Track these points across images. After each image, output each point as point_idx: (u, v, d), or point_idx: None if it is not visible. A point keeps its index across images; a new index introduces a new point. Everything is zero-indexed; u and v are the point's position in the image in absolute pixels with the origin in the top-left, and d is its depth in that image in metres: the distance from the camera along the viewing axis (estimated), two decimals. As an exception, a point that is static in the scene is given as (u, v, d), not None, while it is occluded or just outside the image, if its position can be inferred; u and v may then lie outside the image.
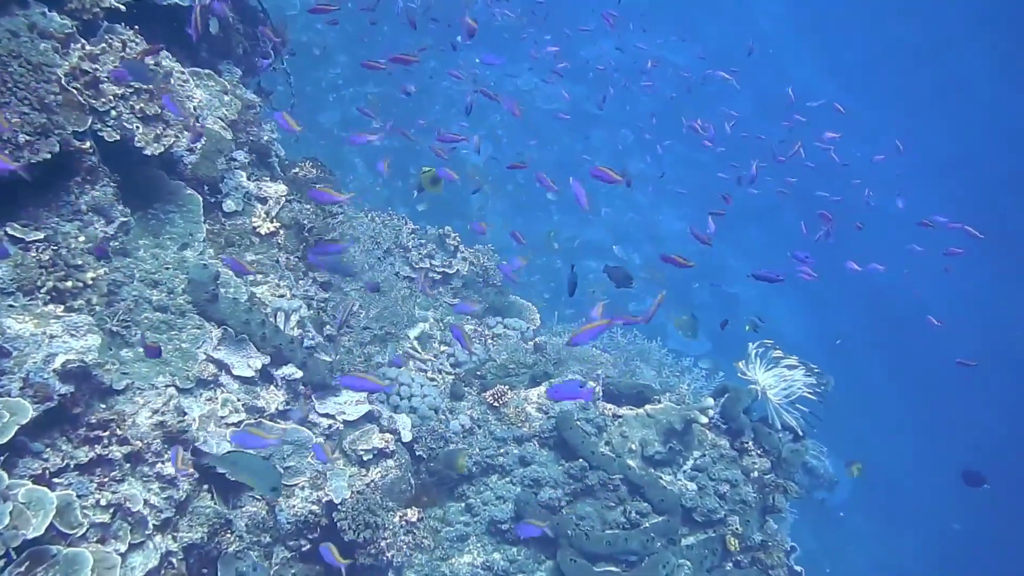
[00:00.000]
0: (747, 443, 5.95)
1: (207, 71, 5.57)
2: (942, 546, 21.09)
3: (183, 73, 4.98)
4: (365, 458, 5.06)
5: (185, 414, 4.44)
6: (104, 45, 4.53)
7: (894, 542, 20.87)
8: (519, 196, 19.39)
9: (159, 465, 4.17)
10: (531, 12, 17.67)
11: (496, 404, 5.82)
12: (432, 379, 6.18)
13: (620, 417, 5.93)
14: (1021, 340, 24.47)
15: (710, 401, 5.84)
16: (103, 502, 3.91)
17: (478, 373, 6.26)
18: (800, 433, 6.04)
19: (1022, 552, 21.84)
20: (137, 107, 4.58)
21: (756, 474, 5.87)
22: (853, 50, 26.82)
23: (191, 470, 4.27)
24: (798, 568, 6.12)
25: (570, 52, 20.99)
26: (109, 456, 4.00)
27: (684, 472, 5.83)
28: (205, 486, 4.42)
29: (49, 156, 4.05)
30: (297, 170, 5.97)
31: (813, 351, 7.65)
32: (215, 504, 4.42)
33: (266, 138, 5.84)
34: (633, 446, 5.79)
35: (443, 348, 6.67)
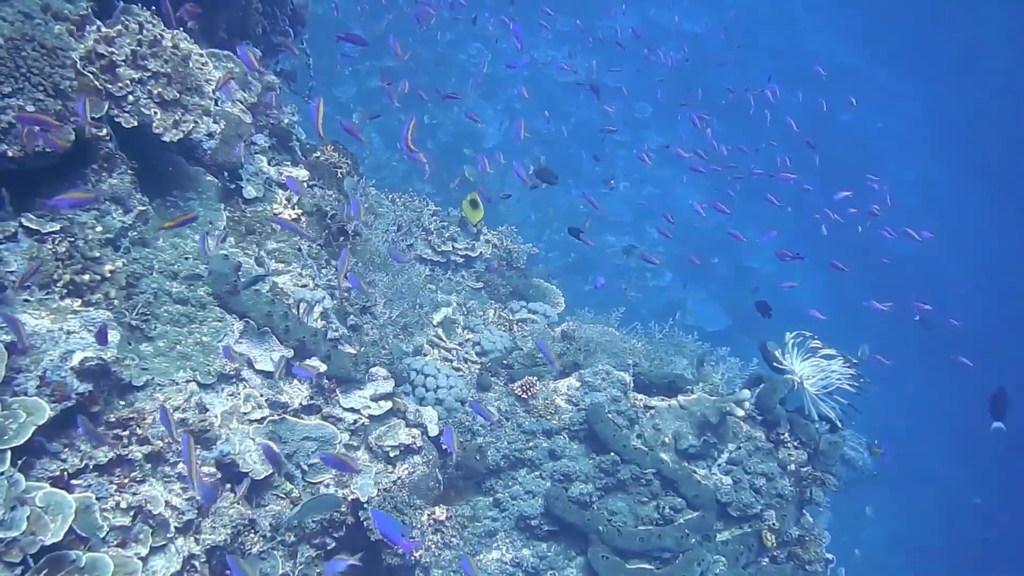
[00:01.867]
0: (783, 435, 5.78)
1: (226, 52, 5.38)
2: (958, 522, 20.98)
3: (201, 56, 4.78)
4: (391, 454, 4.91)
5: (207, 411, 4.29)
6: (120, 27, 4.34)
7: (913, 517, 20.78)
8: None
9: (181, 465, 4.03)
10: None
11: (524, 396, 5.65)
12: (457, 369, 6.02)
13: (652, 408, 5.76)
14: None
15: (746, 393, 5.66)
16: (123, 504, 3.78)
17: (505, 363, 6.09)
18: (838, 424, 5.86)
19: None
20: (155, 92, 4.40)
21: (793, 467, 5.71)
22: (871, 14, 26.36)
23: (213, 469, 4.14)
24: (829, 555, 5.97)
25: (588, 22, 20.71)
26: (129, 456, 3.87)
27: (719, 466, 5.67)
28: (227, 485, 4.28)
29: (69, 145, 3.89)
30: (319, 154, 5.78)
31: (832, 326, 7.43)
32: (238, 504, 4.28)
33: (286, 121, 5.65)
34: (666, 439, 5.63)
35: (468, 335, 6.49)
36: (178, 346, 4.39)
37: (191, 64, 4.62)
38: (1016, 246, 25.39)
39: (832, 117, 22.96)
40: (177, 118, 4.51)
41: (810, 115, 20.33)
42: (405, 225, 6.68)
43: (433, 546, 4.81)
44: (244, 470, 4.31)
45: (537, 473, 5.48)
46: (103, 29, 4.29)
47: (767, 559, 5.62)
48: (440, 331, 6.25)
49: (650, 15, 21.28)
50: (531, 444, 5.51)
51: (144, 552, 3.81)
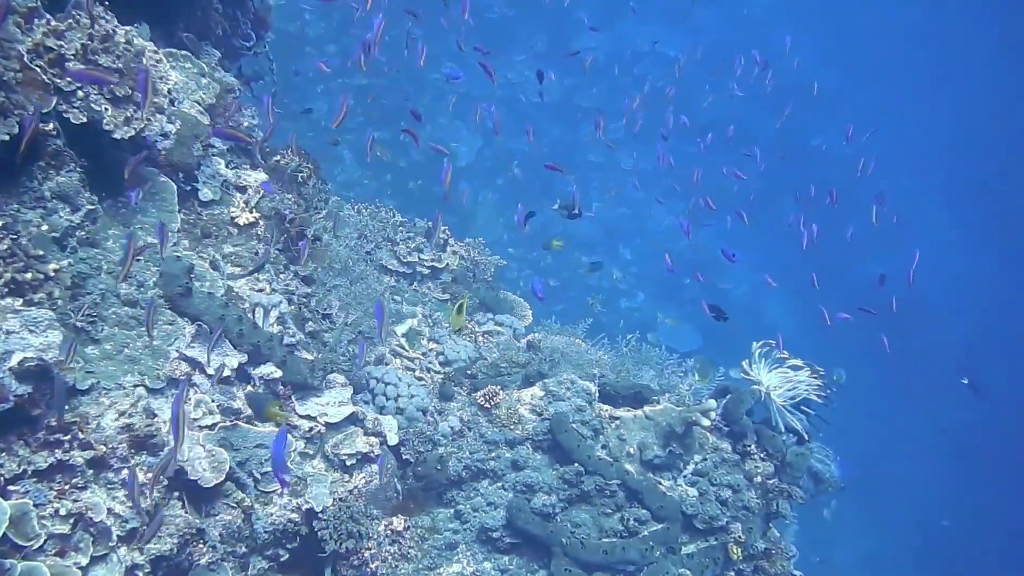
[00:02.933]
0: (750, 446, 5.70)
1: (184, 52, 5.27)
2: (930, 541, 20.99)
3: (156, 52, 4.67)
4: (348, 463, 4.77)
5: (155, 416, 4.15)
6: (71, 21, 4.22)
7: (882, 536, 20.76)
8: (508, 189, 19.14)
9: (125, 471, 3.89)
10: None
11: (487, 405, 5.53)
12: (420, 378, 5.90)
13: (617, 419, 5.66)
14: (1014, 330, 24.35)
15: (712, 403, 5.57)
16: (63, 511, 3.63)
17: (468, 372, 5.97)
18: (805, 436, 5.78)
19: (1009, 547, 21.78)
20: (106, 88, 4.28)
21: (759, 479, 5.62)
22: (850, 34, 26.62)
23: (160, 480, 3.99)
24: (796, 573, 5.88)
25: (561, 43, 20.77)
26: (70, 462, 3.72)
27: (684, 477, 5.57)
28: (175, 493, 4.13)
29: (8, 138, 3.75)
30: (279, 158, 5.66)
31: (805, 345, 7.40)
32: (186, 513, 4.13)
33: (246, 124, 5.54)
34: (631, 450, 5.53)
35: (432, 346, 6.38)
36: (126, 349, 4.25)
37: (144, 61, 4.51)
38: (989, 263, 25.60)
39: (804, 141, 23.15)
40: (129, 115, 4.38)
41: (785, 138, 20.48)
42: (371, 235, 6.58)
43: (390, 557, 4.67)
44: (192, 477, 4.16)
45: (499, 484, 5.35)
46: (53, 23, 4.17)
47: (733, 572, 5.51)
48: (402, 340, 6.14)
49: (625, 38, 21.35)
50: (493, 454, 5.39)
51: (84, 561, 3.66)
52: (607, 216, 20.35)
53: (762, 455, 5.71)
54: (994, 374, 23.87)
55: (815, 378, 5.72)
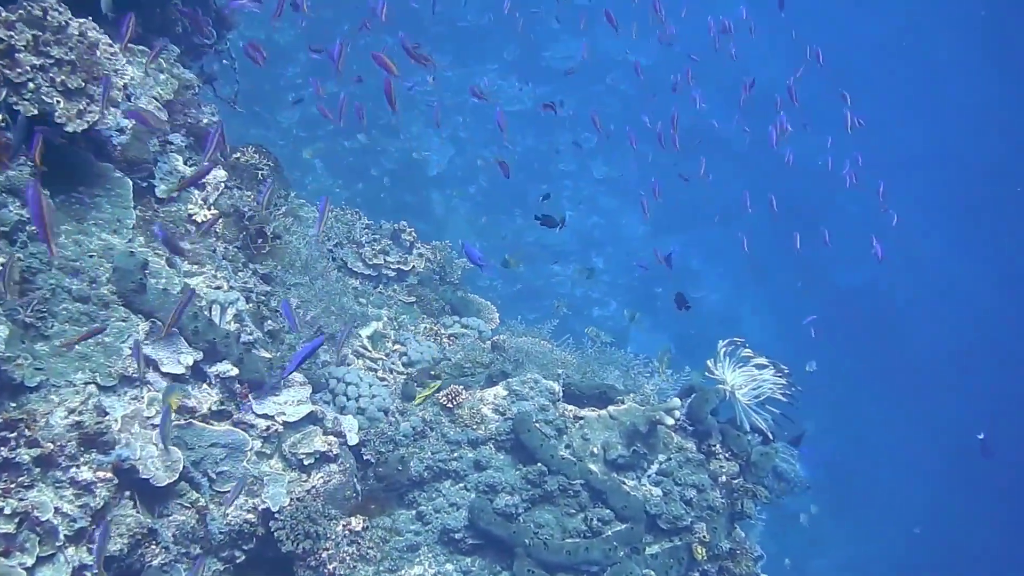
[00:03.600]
0: (715, 446, 5.66)
1: (141, 47, 5.20)
2: (906, 548, 21.06)
3: (111, 46, 4.59)
4: (306, 462, 4.70)
5: (106, 414, 4.06)
6: (23, 12, 4.15)
7: (857, 544, 20.80)
8: (481, 198, 19.11)
9: (73, 469, 3.80)
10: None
11: (450, 405, 5.47)
12: (383, 379, 5.83)
13: (582, 419, 5.61)
14: (989, 336, 24.57)
15: (676, 402, 5.53)
16: (7, 510, 3.55)
17: (432, 372, 5.91)
18: (770, 436, 5.76)
19: (984, 555, 21.91)
20: (59, 80, 4.21)
21: (724, 479, 5.58)
22: (821, 44, 26.86)
23: (109, 475, 3.90)
24: (762, 575, 5.85)
25: (533, 52, 20.80)
26: (16, 460, 3.63)
27: (649, 477, 5.52)
28: (127, 493, 4.04)
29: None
30: (238, 155, 5.60)
31: (780, 351, 7.40)
32: (138, 513, 4.05)
33: (205, 120, 5.46)
34: (595, 449, 5.48)
35: (396, 347, 6.32)
36: (76, 346, 4.16)
37: (99, 53, 4.44)
38: (965, 273, 25.82)
39: (778, 152, 23.23)
40: (82, 108, 4.31)
41: (758, 148, 20.54)
42: (332, 234, 6.52)
43: (348, 558, 4.59)
44: (144, 476, 4.08)
45: (462, 485, 5.28)
46: (3, 13, 4.09)
47: (697, 573, 5.46)
48: (364, 341, 6.07)
49: (597, 46, 21.40)
50: (456, 455, 5.33)
51: (30, 562, 3.58)
52: (580, 225, 20.37)
53: (727, 455, 5.67)
54: (975, 381, 24.11)
55: (780, 376, 5.69)
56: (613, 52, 21.12)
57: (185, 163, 5.19)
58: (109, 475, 3.92)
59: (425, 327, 6.89)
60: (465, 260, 7.74)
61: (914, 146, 26.07)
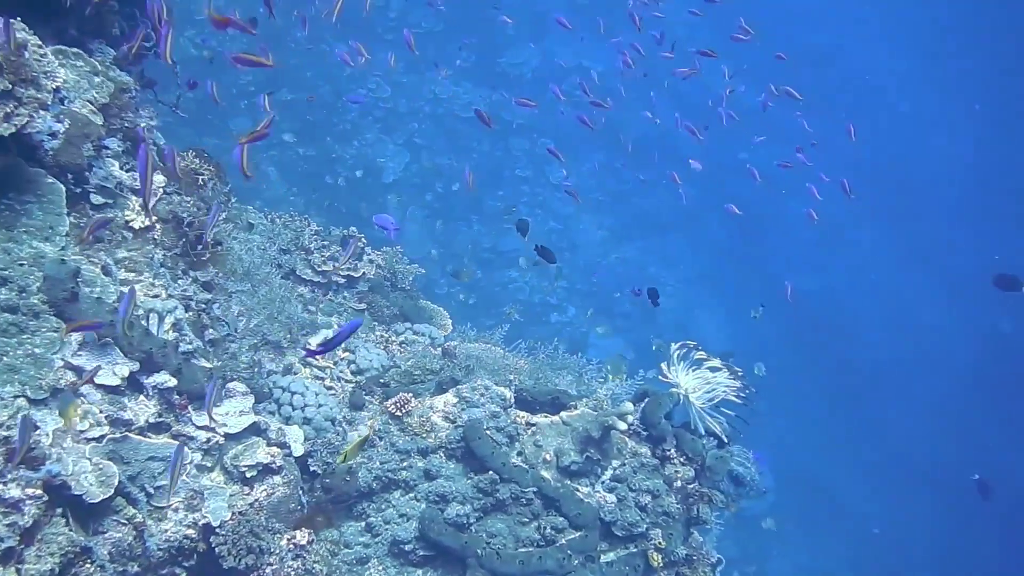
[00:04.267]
0: (669, 451, 5.59)
1: (75, 50, 5.03)
2: (865, 550, 21.20)
3: (40, 47, 4.43)
4: (248, 475, 4.55)
5: (36, 428, 3.89)
6: (-56, 12, 3.99)
7: (817, 547, 20.91)
8: (437, 204, 18.99)
9: (0, 487, 3.63)
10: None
11: (399, 413, 5.35)
12: (330, 388, 5.70)
13: (534, 425, 5.52)
14: (937, 343, 24.91)
15: (629, 406, 5.46)
16: (-72, 531, 3.37)
17: (381, 381, 5.79)
18: (725, 439, 5.70)
19: (938, 554, 22.14)
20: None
21: (679, 484, 5.52)
22: (767, 54, 27.16)
23: (39, 492, 3.73)
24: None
25: (490, 58, 20.72)
26: (-61, 477, 3.46)
27: (602, 483, 5.44)
28: (59, 510, 3.88)
29: None
30: (178, 160, 5.44)
31: (736, 357, 7.39)
32: (71, 530, 3.88)
33: (143, 124, 5.30)
34: (548, 456, 5.39)
35: (344, 355, 6.18)
36: (5, 358, 3.99)
37: (27, 54, 4.28)
38: (912, 280, 26.14)
39: (733, 156, 23.39)
40: (9, 111, 4.15)
41: (712, 152, 20.64)
42: (275, 239, 6.39)
43: (293, 573, 4.46)
44: (77, 492, 3.92)
45: (412, 495, 5.17)
46: (-77, 13, 3.93)
47: (654, 580, 5.40)
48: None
49: (551, 53, 21.41)
50: (405, 464, 5.21)
51: (-47, 584, 3.41)
52: (537, 231, 20.27)
53: (682, 459, 5.61)
54: (922, 384, 24.43)
55: (734, 379, 5.64)
56: (568, 59, 21.13)
57: (121, 168, 5.02)
58: (39, 492, 3.75)
59: (376, 334, 6.77)
60: (417, 266, 7.65)
61: (860, 155, 26.44)
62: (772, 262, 22.42)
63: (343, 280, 7.07)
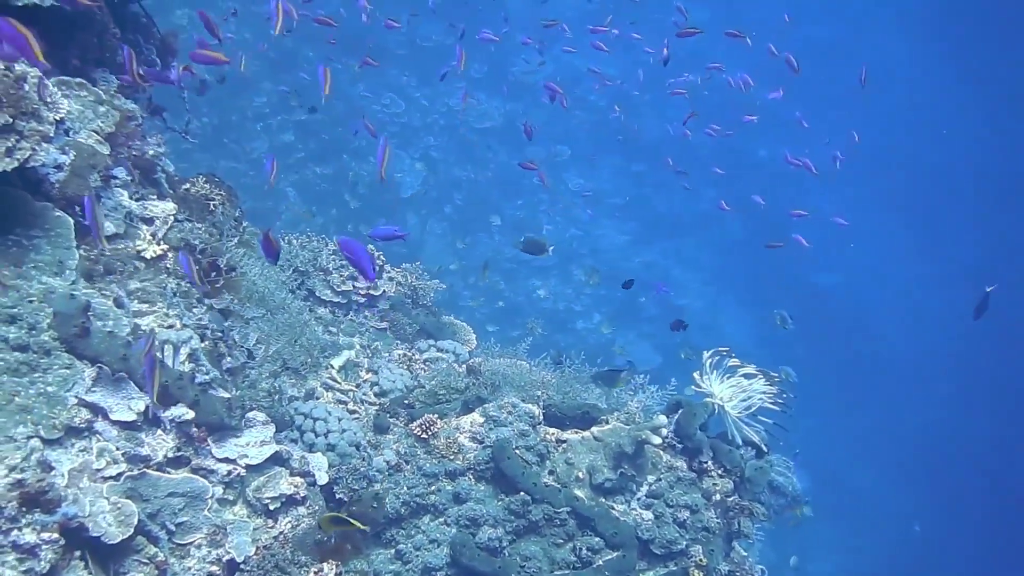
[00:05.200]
0: (706, 463, 5.40)
1: (78, 80, 4.93)
2: (907, 549, 20.90)
3: (42, 78, 4.33)
4: (272, 507, 4.41)
5: (51, 468, 3.78)
6: (-59, 45, 3.88)
7: (859, 548, 20.63)
8: (457, 217, 18.90)
9: (15, 532, 3.51)
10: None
11: (424, 436, 5.20)
12: (353, 411, 5.56)
13: (564, 442, 5.35)
14: (959, 338, 24.56)
15: (663, 419, 5.28)
16: (-59, 582, 3.25)
17: (405, 402, 5.64)
18: (763, 448, 5.51)
19: (980, 548, 21.81)
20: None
21: (718, 497, 5.33)
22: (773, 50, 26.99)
23: (56, 535, 3.60)
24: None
25: (499, 69, 20.63)
26: (-53, 523, 3.34)
27: (638, 500, 5.26)
28: (77, 553, 3.75)
29: None
30: (188, 186, 5.33)
31: (762, 358, 7.22)
32: (90, 573, 3.75)
33: (151, 152, 5.19)
34: (580, 474, 5.21)
35: (368, 376, 6.05)
36: (17, 398, 3.87)
37: (27, 87, 4.17)
38: (932, 273, 25.81)
39: (752, 153, 23.19)
40: (11, 145, 4.04)
41: (730, 152, 20.45)
42: (293, 262, 6.27)
43: (321, 608, 4.31)
44: (95, 533, 3.79)
45: (442, 519, 5.01)
46: (-81, 47, 3.83)
47: (696, 597, 5.21)
48: (334, 372, 5.80)
49: (563, 59, 21.29)
50: (434, 488, 5.05)
51: (-30, 636, 3.28)
52: (558, 238, 20.17)
53: (720, 471, 5.42)
54: (945, 381, 24.10)
55: (770, 385, 5.45)
56: (579, 64, 21.01)
57: (131, 197, 4.91)
58: (55, 536, 3.63)
59: (399, 353, 6.63)
60: (438, 281, 7.51)
61: (875, 148, 26.18)
62: (792, 260, 22.17)
63: (363, 299, 6.95)
